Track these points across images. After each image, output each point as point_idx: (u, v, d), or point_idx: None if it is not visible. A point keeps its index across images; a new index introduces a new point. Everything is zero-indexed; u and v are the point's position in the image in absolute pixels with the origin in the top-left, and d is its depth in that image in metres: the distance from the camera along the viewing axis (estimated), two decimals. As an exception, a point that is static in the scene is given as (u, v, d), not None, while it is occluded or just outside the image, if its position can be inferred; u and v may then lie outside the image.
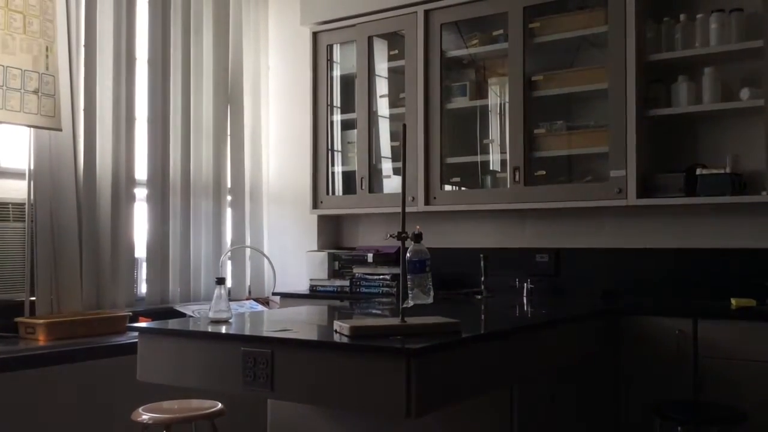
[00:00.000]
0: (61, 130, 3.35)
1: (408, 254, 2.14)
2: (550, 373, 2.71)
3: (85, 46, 3.58)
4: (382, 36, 4.25)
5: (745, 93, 3.24)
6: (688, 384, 2.95)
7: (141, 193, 3.87)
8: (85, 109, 3.57)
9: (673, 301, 3.40)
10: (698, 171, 3.30)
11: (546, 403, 2.66)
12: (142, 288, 3.90)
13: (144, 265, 3.90)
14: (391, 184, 4.23)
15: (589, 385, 3.04)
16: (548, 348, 2.67)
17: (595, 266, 3.72)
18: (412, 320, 2.15)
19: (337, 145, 4.42)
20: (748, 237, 3.37)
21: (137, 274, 3.88)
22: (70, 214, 3.43)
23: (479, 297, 3.70)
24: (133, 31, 3.80)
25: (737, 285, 3.26)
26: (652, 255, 3.59)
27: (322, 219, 4.54)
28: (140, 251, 3.88)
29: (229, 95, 4.37)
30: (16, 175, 3.35)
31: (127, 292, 3.74)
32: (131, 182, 3.78)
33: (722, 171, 3.26)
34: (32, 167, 3.33)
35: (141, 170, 3.87)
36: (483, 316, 3.08)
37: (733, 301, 3.07)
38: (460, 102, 3.99)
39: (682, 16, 3.38)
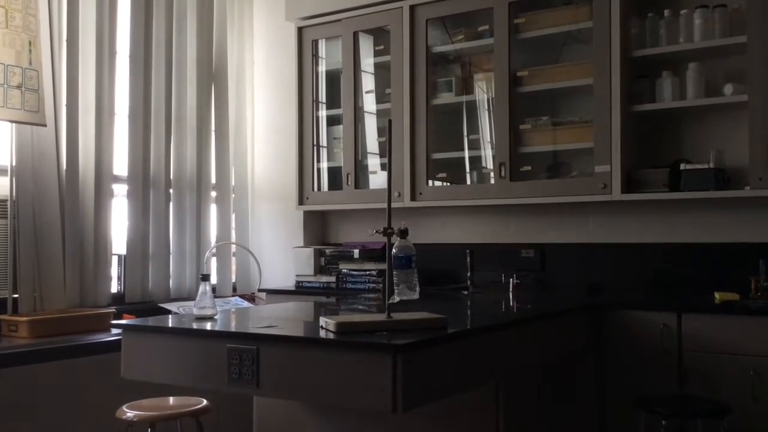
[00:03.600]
0: (45, 125, 3.32)
1: (394, 250, 2.14)
2: (536, 367, 2.72)
3: (67, 40, 3.54)
4: (367, 31, 4.24)
5: (728, 88, 3.26)
6: (672, 378, 2.97)
7: (125, 189, 3.84)
8: (67, 105, 3.53)
9: (658, 295, 3.43)
10: (682, 166, 3.32)
11: (532, 398, 2.67)
12: (126, 285, 3.86)
13: (128, 261, 3.86)
14: (378, 179, 4.23)
15: (574, 379, 3.05)
16: (534, 343, 2.67)
17: (581, 261, 3.73)
18: (398, 316, 2.15)
19: (323, 141, 4.40)
20: (732, 231, 3.40)
21: (121, 271, 3.85)
22: (52, 211, 3.40)
23: (465, 292, 3.71)
24: (115, 25, 3.76)
25: (721, 279, 3.28)
26: (636, 250, 3.61)
27: (308, 215, 4.52)
28: (123, 248, 3.85)
29: (213, 90, 4.34)
30: (-2, 171, 3.32)
31: (111, 289, 3.71)
32: (113, 178, 3.75)
33: (706, 166, 3.28)
34: (14, 163, 3.30)
35: (124, 166, 3.84)
36: (469, 311, 3.08)
37: (716, 295, 3.09)
38: (445, 97, 3.99)
39: (666, 12, 3.39)
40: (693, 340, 2.95)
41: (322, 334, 2.09)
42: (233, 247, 4.45)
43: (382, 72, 4.21)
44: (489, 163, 3.87)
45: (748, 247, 3.32)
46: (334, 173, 4.35)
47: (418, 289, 2.16)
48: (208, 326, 2.33)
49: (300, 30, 4.38)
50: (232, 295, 4.24)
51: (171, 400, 2.67)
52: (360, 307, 3.14)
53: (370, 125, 4.29)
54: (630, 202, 3.48)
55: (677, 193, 3.30)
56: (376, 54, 4.24)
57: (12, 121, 3.22)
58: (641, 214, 3.62)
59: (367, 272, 4.06)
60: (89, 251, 3.60)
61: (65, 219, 3.47)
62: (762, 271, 3.13)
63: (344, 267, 4.16)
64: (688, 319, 2.97)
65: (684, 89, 3.37)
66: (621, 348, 3.09)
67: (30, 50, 3.25)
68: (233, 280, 4.45)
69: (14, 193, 3.29)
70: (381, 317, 2.15)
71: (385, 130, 4.03)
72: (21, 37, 3.22)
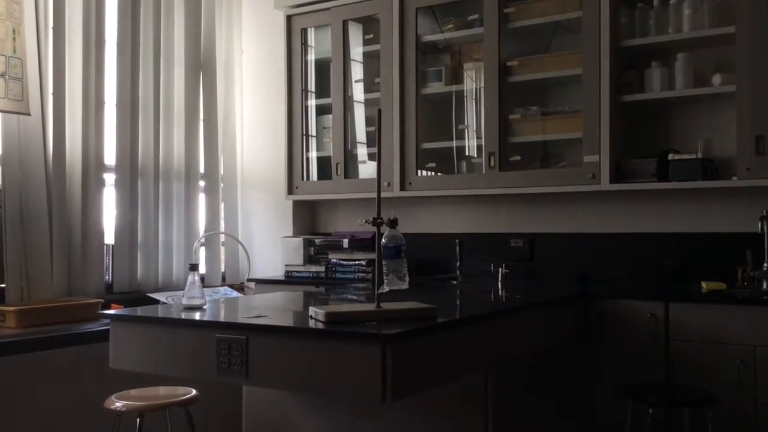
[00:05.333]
0: (29, 114, 3.29)
1: (383, 240, 2.14)
2: (525, 357, 2.73)
3: (53, 28, 3.50)
4: (357, 20, 4.22)
5: (717, 79, 3.27)
6: (659, 366, 2.99)
7: (112, 178, 3.82)
8: (54, 93, 3.50)
9: (646, 284, 3.44)
10: (670, 156, 3.34)
11: (520, 387, 2.68)
12: (114, 275, 3.84)
13: (116, 251, 3.84)
14: (367, 169, 4.22)
15: (562, 368, 3.07)
16: (523, 332, 2.68)
17: (569, 251, 3.75)
18: (387, 306, 2.15)
19: (312, 131, 4.39)
20: (719, 221, 3.42)
21: (109, 261, 3.82)
22: (39, 200, 3.38)
23: (455, 282, 3.72)
24: (103, 14, 3.73)
25: (708, 269, 3.30)
26: (625, 239, 3.63)
27: (297, 204, 4.51)
28: (112, 238, 3.83)
29: (201, 79, 4.31)
30: (-16, 160, 3.29)
31: (99, 279, 3.70)
32: (101, 167, 3.72)
33: (694, 156, 3.30)
34: (0, 153, 3.26)
35: (112, 155, 3.81)
36: (458, 301, 3.09)
37: (703, 284, 3.11)
38: (435, 87, 3.98)
39: (655, 2, 3.39)
40: (680, 329, 2.97)
41: (312, 323, 2.09)
42: (222, 237, 4.44)
43: (371, 61, 4.19)
44: (478, 152, 3.86)
45: (735, 236, 3.34)
46: (324, 163, 4.34)
47: (407, 278, 2.16)
48: (197, 316, 2.32)
49: (289, 18, 4.35)
50: (221, 285, 4.23)
51: (160, 389, 2.67)
52: (349, 296, 3.14)
53: (360, 115, 4.28)
54: (618, 192, 3.49)
55: (665, 183, 3.32)
56: (366, 43, 4.23)
57: (-4, 110, 3.20)
58: (630, 203, 3.63)
59: (357, 262, 4.06)
60: (77, 241, 3.57)
61: (52, 208, 3.45)
62: (749, 260, 3.16)
63: (333, 257, 4.15)
64: (675, 309, 2.99)
65: (673, 79, 3.38)
66: (609, 337, 3.11)
67: (14, 38, 3.21)
68: (222, 269, 4.44)
69: (0, 183, 3.26)
70: (370, 307, 2.15)
71: (375, 120, 4.04)
72: (5, 25, 3.18)
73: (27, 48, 3.28)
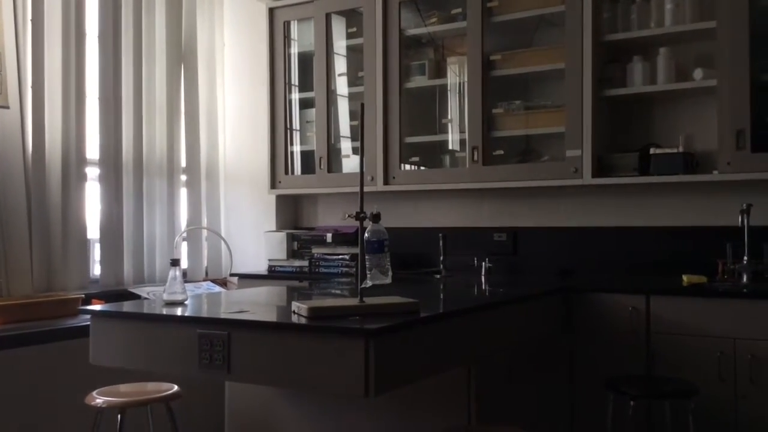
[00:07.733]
0: (8, 107, 3.24)
1: (366, 234, 2.13)
2: (508, 350, 2.74)
3: (32, 20, 3.45)
4: (340, 13, 4.20)
5: (698, 73, 3.29)
6: (641, 359, 3.01)
7: (93, 172, 3.78)
8: (33, 87, 3.45)
9: (627, 278, 3.47)
10: (652, 150, 3.36)
11: (503, 380, 2.69)
12: (96, 270, 3.81)
13: (97, 246, 3.81)
14: (350, 163, 4.21)
15: (545, 361, 3.08)
16: (506, 326, 2.69)
17: (552, 245, 3.76)
18: (370, 300, 2.15)
19: (296, 124, 4.37)
20: (700, 215, 3.45)
21: (90, 256, 3.79)
22: (18, 195, 3.33)
23: (438, 276, 3.72)
24: (83, 5, 3.68)
25: (689, 262, 3.33)
26: (606, 233, 3.65)
27: (280, 199, 4.49)
28: (93, 232, 3.79)
29: (183, 72, 4.27)
30: (-39, 154, 3.24)
31: (80, 274, 3.66)
32: (82, 161, 3.68)
33: (675, 150, 3.32)
34: (-22, 146, 3.23)
35: (93, 149, 3.77)
36: (442, 295, 3.09)
37: (684, 278, 3.14)
38: (418, 81, 3.97)
39: (637, -3, 3.41)
40: (661, 322, 2.99)
41: (294, 318, 2.08)
42: (204, 232, 4.41)
43: (354, 54, 4.18)
44: (462, 146, 3.87)
45: (715, 230, 3.37)
46: (307, 157, 4.32)
47: (390, 273, 2.16)
48: (179, 311, 2.30)
49: (271, 11, 4.33)
50: (204, 280, 4.20)
51: (141, 385, 2.65)
52: (333, 291, 3.13)
53: (343, 108, 4.26)
54: (600, 186, 3.51)
55: (647, 177, 3.34)
56: (349, 36, 4.21)
57: (-26, 103, 3.15)
58: (611, 198, 3.65)
59: (340, 256, 4.05)
60: (57, 236, 3.53)
61: (32, 203, 3.41)
62: (729, 254, 3.19)
63: (317, 251, 4.14)
64: (656, 302, 3.01)
65: (654, 74, 3.40)
66: (591, 330, 3.12)
67: (-7, 30, 3.17)
68: (205, 264, 4.41)
69: (-22, 177, 3.22)
70: (353, 302, 2.15)
71: (358, 114, 4.03)
72: (-17, 17, 3.13)
73: (5, 40, 3.23)
